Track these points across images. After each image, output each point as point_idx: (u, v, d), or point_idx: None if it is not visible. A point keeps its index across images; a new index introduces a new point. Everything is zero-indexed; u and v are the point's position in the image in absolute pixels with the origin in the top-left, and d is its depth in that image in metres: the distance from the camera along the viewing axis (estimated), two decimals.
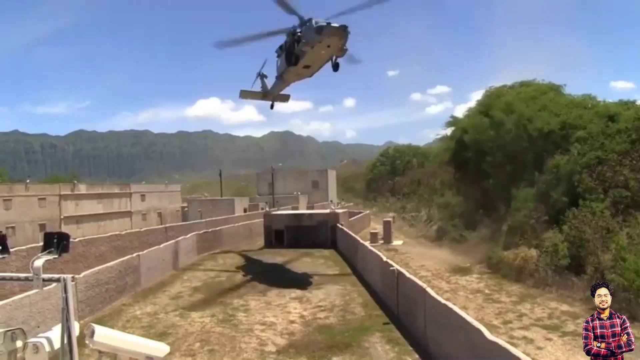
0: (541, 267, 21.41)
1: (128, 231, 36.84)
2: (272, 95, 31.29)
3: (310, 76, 26.53)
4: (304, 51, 23.30)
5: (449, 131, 41.11)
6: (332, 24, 21.28)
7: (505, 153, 30.44)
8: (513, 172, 29.62)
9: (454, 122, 40.68)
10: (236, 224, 41.13)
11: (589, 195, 22.57)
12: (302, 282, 23.41)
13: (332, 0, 23.21)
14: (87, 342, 4.82)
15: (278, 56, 27.32)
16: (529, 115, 29.72)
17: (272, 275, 25.63)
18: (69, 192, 53.61)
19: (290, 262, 28.83)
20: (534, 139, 28.75)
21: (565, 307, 17.67)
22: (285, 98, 31.97)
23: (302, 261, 29.17)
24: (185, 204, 68.75)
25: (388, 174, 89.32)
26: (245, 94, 31.89)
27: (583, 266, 19.74)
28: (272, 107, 32.52)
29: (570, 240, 21.05)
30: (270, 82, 30.79)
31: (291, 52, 24.40)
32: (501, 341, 9.00)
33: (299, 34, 23.43)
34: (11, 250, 4.82)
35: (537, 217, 25.41)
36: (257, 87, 31.68)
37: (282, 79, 28.13)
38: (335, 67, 24.05)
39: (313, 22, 22.09)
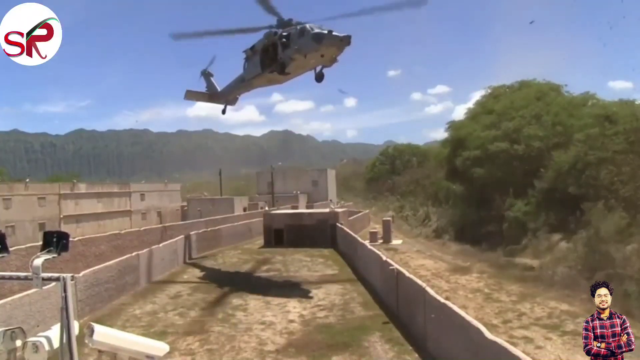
0: (557, 275, 21.14)
1: (127, 230, 36.81)
2: (224, 98, 28.83)
3: (282, 83, 24.72)
4: (292, 58, 21.31)
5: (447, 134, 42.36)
6: (334, 33, 19.66)
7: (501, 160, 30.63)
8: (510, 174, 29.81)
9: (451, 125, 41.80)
10: (236, 223, 41.13)
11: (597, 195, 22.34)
12: (301, 281, 23.42)
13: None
14: (86, 341, 4.80)
15: (247, 58, 25.03)
16: (524, 125, 30.06)
17: (271, 274, 25.65)
18: (69, 192, 53.60)
19: (290, 262, 28.83)
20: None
21: (565, 307, 17.68)
22: (234, 101, 29.50)
23: (302, 260, 29.17)
24: (184, 203, 68.67)
25: (388, 174, 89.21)
26: (191, 95, 29.58)
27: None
28: (224, 111, 29.84)
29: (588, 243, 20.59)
30: (219, 82, 28.76)
31: (272, 57, 22.40)
32: (501, 340, 9.01)
33: (284, 38, 21.52)
34: (11, 249, 4.80)
35: (539, 217, 25.48)
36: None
37: (249, 83, 25.94)
38: (320, 78, 21.98)
39: (307, 27, 20.47)
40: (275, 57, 22.31)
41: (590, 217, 21.28)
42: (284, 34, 21.71)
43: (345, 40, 19.72)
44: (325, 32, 19.87)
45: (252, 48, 24.32)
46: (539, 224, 25.44)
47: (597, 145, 24.36)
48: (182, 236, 30.06)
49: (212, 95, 29.58)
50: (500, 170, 30.22)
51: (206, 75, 29.77)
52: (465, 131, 36.66)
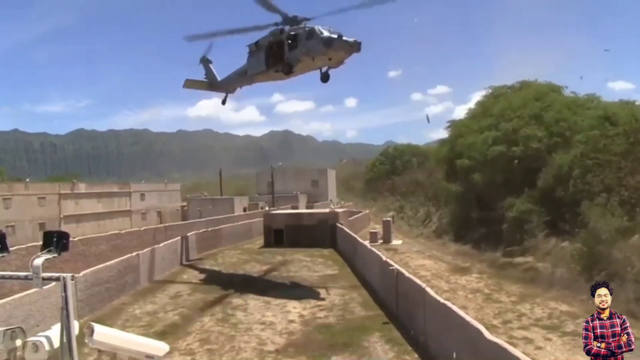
0: (557, 275, 21.02)
1: (127, 230, 36.80)
2: (224, 88, 28.38)
3: (284, 79, 24.28)
4: (299, 60, 21.01)
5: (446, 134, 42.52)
6: (344, 38, 19.29)
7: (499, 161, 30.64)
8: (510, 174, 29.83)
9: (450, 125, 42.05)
10: (236, 223, 41.12)
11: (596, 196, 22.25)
12: (301, 281, 23.42)
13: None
14: (86, 341, 4.80)
15: (251, 53, 24.53)
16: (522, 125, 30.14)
17: (271, 274, 25.64)
18: (69, 191, 53.60)
19: (290, 262, 28.82)
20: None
21: (564, 307, 17.68)
22: (234, 91, 28.91)
23: (302, 260, 29.16)
24: (185, 203, 68.64)
25: (388, 174, 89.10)
26: (190, 84, 29.04)
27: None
28: (224, 102, 29.34)
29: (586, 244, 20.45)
30: (219, 71, 28.33)
31: (277, 55, 22.00)
32: (500, 341, 9.01)
33: (291, 38, 21.06)
34: (11, 249, 4.79)
35: (539, 217, 25.50)
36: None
37: (252, 79, 25.52)
38: (325, 78, 21.57)
39: (316, 29, 20.07)
40: (281, 56, 21.85)
41: (587, 217, 21.24)
42: (292, 33, 21.23)
43: (355, 46, 19.40)
44: (335, 36, 19.47)
45: (257, 44, 23.79)
46: (539, 224, 25.42)
47: (597, 147, 24.34)
48: (179, 237, 29.64)
49: (211, 84, 28.97)
50: (500, 171, 30.22)
51: (205, 62, 29.06)
52: (464, 132, 36.72)
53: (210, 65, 29.07)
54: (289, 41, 21.33)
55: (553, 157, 26.80)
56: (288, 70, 21.86)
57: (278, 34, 22.10)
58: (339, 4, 21.33)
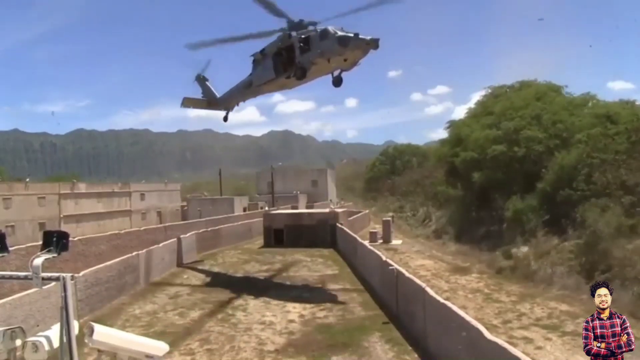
0: (557, 275, 20.97)
1: (127, 230, 36.80)
2: (225, 104, 27.28)
3: (292, 88, 23.36)
4: (314, 62, 19.91)
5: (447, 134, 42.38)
6: (361, 36, 18.44)
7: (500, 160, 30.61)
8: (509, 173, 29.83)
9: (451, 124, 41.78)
10: (236, 223, 41.10)
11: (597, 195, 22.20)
12: (301, 281, 23.42)
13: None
14: (86, 340, 4.79)
15: (256, 62, 23.51)
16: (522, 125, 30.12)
17: (271, 274, 25.65)
18: (69, 191, 53.61)
19: (290, 262, 28.81)
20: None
21: (564, 307, 17.66)
22: (234, 106, 27.81)
23: (302, 260, 29.15)
24: (184, 203, 68.66)
25: (388, 174, 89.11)
26: (189, 102, 27.80)
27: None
28: (225, 119, 28.19)
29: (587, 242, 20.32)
30: (217, 87, 27.45)
31: (287, 61, 21.09)
32: (500, 341, 9.01)
33: (302, 40, 20.18)
34: (11, 249, 4.78)
35: (538, 217, 25.48)
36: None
37: (258, 89, 24.27)
38: (338, 82, 20.61)
39: (330, 29, 19.22)
40: (291, 61, 20.89)
41: (586, 216, 21.21)
42: (303, 36, 20.40)
43: (372, 44, 18.48)
44: (351, 35, 18.67)
45: (263, 52, 22.81)
46: (538, 223, 25.42)
47: (599, 146, 24.30)
48: (175, 239, 28.92)
49: (211, 102, 27.92)
50: (500, 171, 30.20)
51: (201, 80, 28.09)
52: (465, 131, 36.64)
53: (208, 83, 28.12)
54: (301, 44, 20.41)
55: (555, 157, 26.73)
56: (301, 75, 20.70)
57: (287, 38, 21.17)
58: (338, 8, 20.79)
